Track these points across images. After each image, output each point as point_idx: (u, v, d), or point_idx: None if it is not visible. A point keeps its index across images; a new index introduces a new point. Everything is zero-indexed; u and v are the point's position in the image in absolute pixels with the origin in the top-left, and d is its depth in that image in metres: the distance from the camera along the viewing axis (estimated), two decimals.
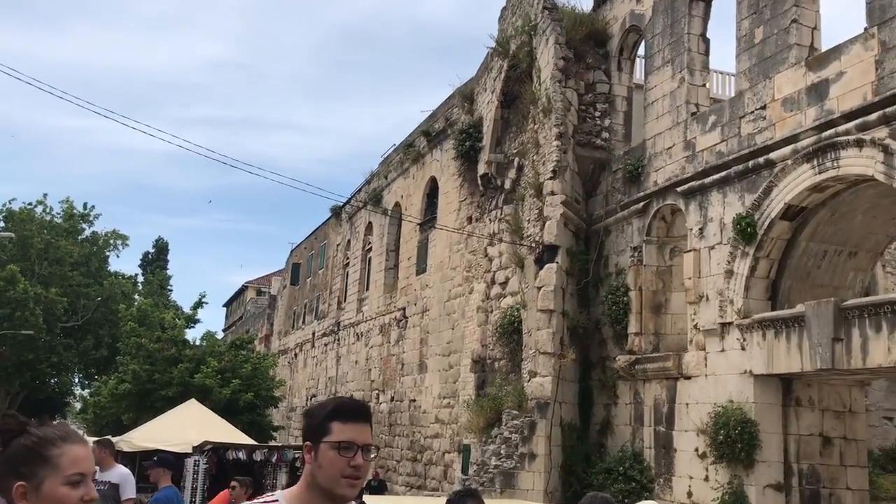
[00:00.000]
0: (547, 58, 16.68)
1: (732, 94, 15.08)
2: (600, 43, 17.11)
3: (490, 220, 20.06)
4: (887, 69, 10.54)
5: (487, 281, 19.69)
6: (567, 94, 16.35)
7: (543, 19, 17.03)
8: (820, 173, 11.39)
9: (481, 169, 20.22)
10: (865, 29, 10.99)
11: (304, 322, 39.55)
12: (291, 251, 44.68)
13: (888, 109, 10.39)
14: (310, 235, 41.26)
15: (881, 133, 10.49)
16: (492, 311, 19.11)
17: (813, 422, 12.31)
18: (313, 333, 36.76)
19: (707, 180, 13.45)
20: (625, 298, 15.04)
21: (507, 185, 19.16)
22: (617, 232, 15.91)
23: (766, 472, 11.90)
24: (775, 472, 11.94)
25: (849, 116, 10.96)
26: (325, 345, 34.48)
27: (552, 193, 15.68)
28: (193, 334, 53.34)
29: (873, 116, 10.59)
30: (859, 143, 10.74)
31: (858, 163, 10.84)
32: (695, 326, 13.40)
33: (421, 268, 24.97)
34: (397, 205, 27.96)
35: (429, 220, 24.81)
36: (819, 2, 12.47)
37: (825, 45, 12.17)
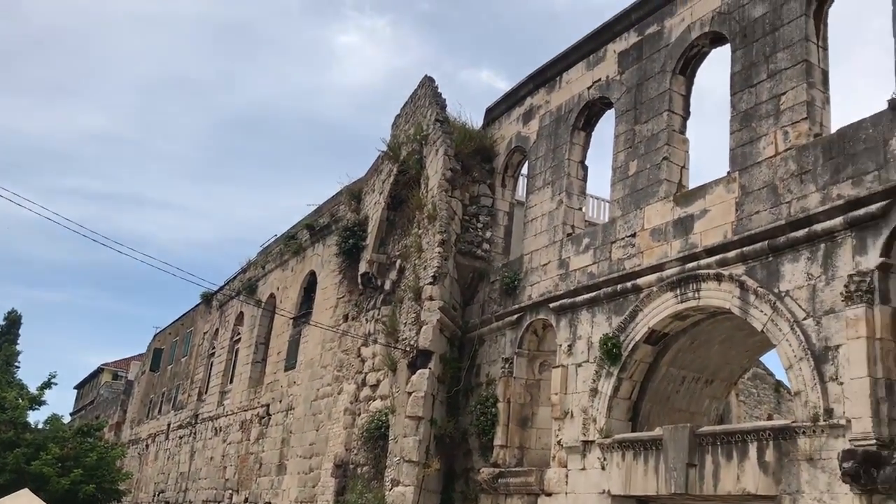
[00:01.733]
0: (436, 167, 17.15)
1: (606, 220, 15.87)
2: (487, 159, 17.77)
3: (367, 319, 19.94)
4: (746, 211, 11.38)
5: (358, 382, 19.38)
6: (452, 203, 16.77)
7: (435, 131, 17.58)
8: (682, 302, 11.99)
9: (362, 268, 20.23)
10: (728, 173, 11.89)
11: (159, 412, 37.52)
12: (155, 335, 42.78)
13: (745, 248, 11.15)
14: (176, 321, 39.71)
15: (738, 270, 11.22)
16: (359, 414, 18.74)
17: None
18: (168, 424, 34.87)
19: (578, 299, 13.91)
20: (493, 409, 15.10)
21: (387, 286, 19.20)
22: (490, 342, 16.11)
23: None
24: None
25: (710, 251, 11.69)
26: (180, 437, 32.72)
27: (431, 299, 15.82)
28: (37, 416, 49.45)
29: (732, 254, 11.33)
30: (718, 278, 11.43)
31: (717, 295, 11.50)
32: (558, 443, 13.55)
33: (290, 364, 24.36)
34: (272, 296, 27.44)
35: (303, 314, 24.41)
36: (688, 143, 13.44)
37: (692, 183, 13.07)
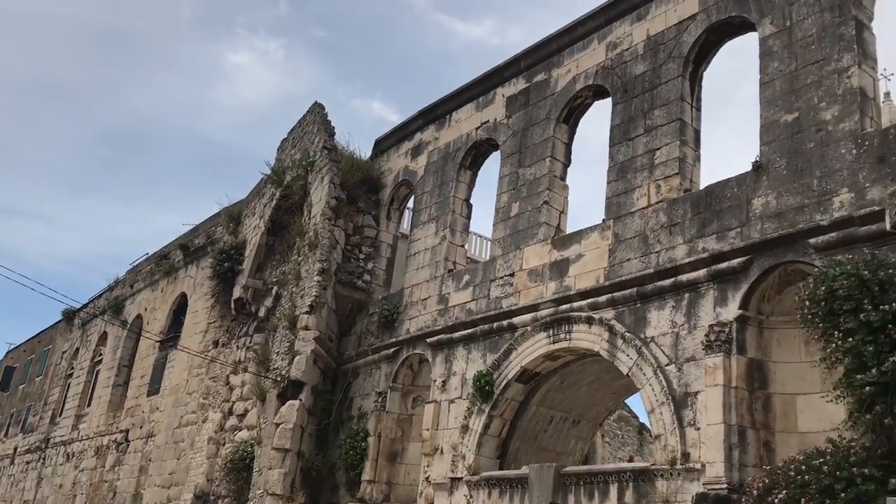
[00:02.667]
0: (320, 194, 16.97)
1: (487, 258, 16.12)
2: (373, 190, 17.75)
3: (238, 346, 19.36)
4: (618, 258, 11.81)
5: (225, 411, 18.73)
6: (335, 232, 16.62)
7: (322, 158, 17.44)
8: (554, 343, 12.27)
9: (237, 293, 19.68)
10: (604, 220, 12.33)
11: (6, 434, 35.04)
12: (7, 352, 40.10)
13: (616, 294, 11.55)
14: (33, 338, 37.37)
15: (608, 314, 11.59)
16: (224, 444, 18.09)
17: None
18: (15, 448, 32.59)
19: (455, 335, 14.00)
20: (363, 444, 14.91)
21: (262, 313, 18.74)
22: (365, 375, 15.95)
23: None
24: None
25: (583, 295, 12.04)
26: (28, 463, 30.62)
27: (306, 328, 15.54)
28: None
29: (603, 298, 11.71)
30: (589, 321, 11.78)
31: (587, 338, 11.83)
32: (427, 479, 13.49)
33: (154, 388, 23.30)
34: (139, 317, 26.29)
35: (171, 338, 23.46)
36: (568, 189, 13.88)
37: (570, 227, 13.47)
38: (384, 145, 18.16)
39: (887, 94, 25.55)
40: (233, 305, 19.82)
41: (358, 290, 16.80)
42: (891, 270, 8.18)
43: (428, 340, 14.55)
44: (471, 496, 12.55)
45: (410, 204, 17.54)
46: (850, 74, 9.87)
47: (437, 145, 16.50)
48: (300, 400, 15.06)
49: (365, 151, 18.35)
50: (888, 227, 7.55)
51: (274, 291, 18.42)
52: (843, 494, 7.79)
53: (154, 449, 21.62)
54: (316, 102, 18.92)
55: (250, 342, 18.67)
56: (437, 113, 16.79)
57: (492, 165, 15.59)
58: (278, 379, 15.64)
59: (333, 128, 18.04)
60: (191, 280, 23.48)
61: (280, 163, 19.83)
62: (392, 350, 15.35)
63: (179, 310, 23.92)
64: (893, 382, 7.60)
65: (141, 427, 22.94)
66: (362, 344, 16.26)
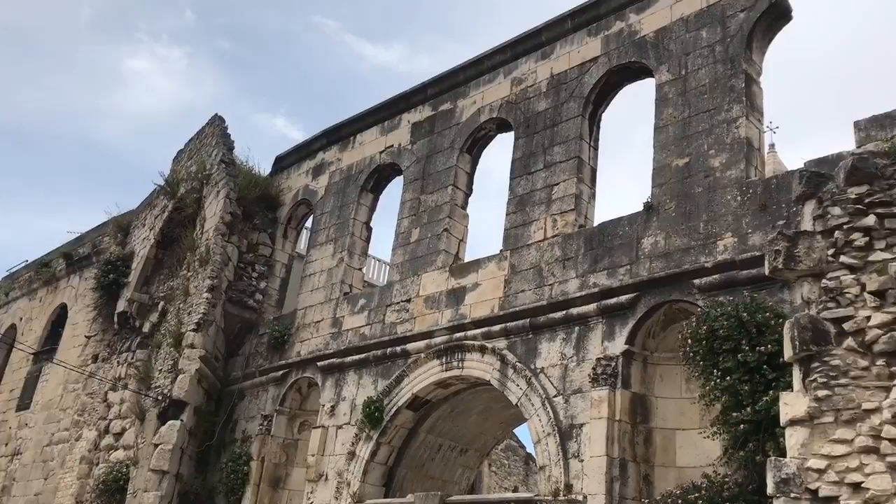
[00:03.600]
0: (215, 209, 16.53)
1: (384, 283, 16.03)
2: (271, 207, 17.42)
3: (119, 362, 18.50)
4: (513, 289, 11.96)
5: (101, 429, 17.83)
6: (228, 249, 16.20)
7: (219, 171, 17.02)
8: (447, 370, 12.27)
9: (121, 306, 18.86)
10: (501, 251, 12.47)
11: None
12: None
13: (509, 324, 11.67)
14: None
15: (501, 344, 11.69)
16: (97, 464, 17.19)
17: None
18: None
19: (347, 360, 13.82)
20: (245, 468, 14.46)
21: (146, 328, 18.01)
22: (251, 397, 15.52)
23: None
24: None
25: (478, 323, 12.11)
26: None
27: (192, 346, 15.01)
28: None
29: (497, 328, 11.82)
30: (482, 350, 11.84)
31: (480, 367, 11.89)
32: None
33: (24, 403, 21.97)
34: (13, 327, 24.81)
35: (47, 350, 22.23)
36: (468, 218, 14.00)
37: (468, 256, 13.57)
38: (285, 163, 17.89)
39: (772, 146, 26.98)
40: (116, 319, 18.97)
41: (248, 310, 16.38)
42: (768, 314, 8.58)
43: (319, 364, 14.30)
44: None
45: (308, 224, 17.30)
46: (738, 125, 10.38)
47: (340, 166, 16.38)
48: (181, 420, 14.49)
49: (265, 168, 18.05)
50: (767, 272, 7.91)
51: (160, 307, 17.74)
52: None
53: (20, 468, 20.34)
54: (216, 115, 18.49)
55: (132, 358, 17.89)
56: (341, 133, 16.69)
57: (394, 190, 15.60)
58: (159, 398, 15.02)
59: (233, 141, 17.66)
60: (72, 291, 22.37)
61: (175, 174, 19.23)
62: (281, 372, 15.01)
63: (58, 321, 22.71)
64: (766, 421, 7.93)
65: (6, 444, 21.58)
66: (250, 365, 15.83)
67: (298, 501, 13.87)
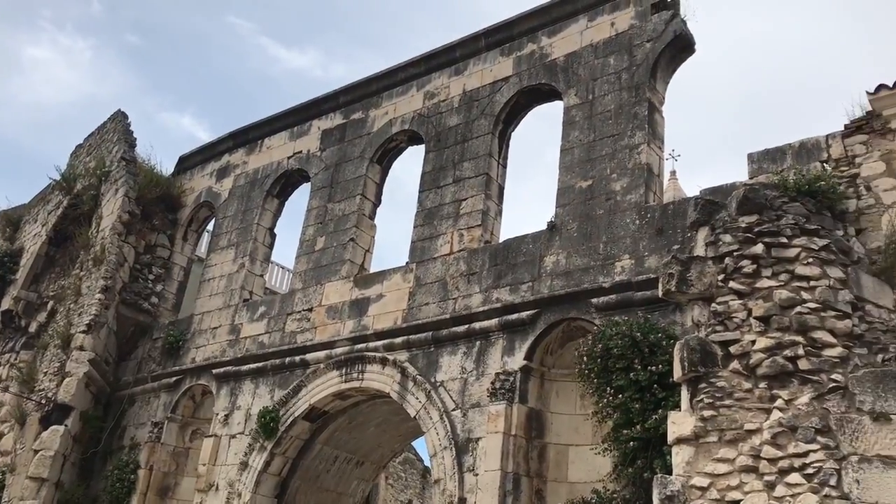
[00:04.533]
0: (112, 207, 15.95)
1: (286, 291, 15.78)
2: (171, 208, 16.93)
3: (1, 363, 17.57)
4: (417, 301, 11.97)
5: None
6: (124, 249, 15.65)
7: (118, 169, 16.44)
8: (346, 382, 12.15)
9: (6, 304, 17.93)
10: (407, 263, 12.47)
11: None
12: None
13: (412, 337, 11.67)
14: None
15: (402, 356, 11.67)
16: None
17: None
18: None
19: (244, 368, 13.52)
20: (132, 476, 13.93)
21: (33, 328, 17.16)
22: (142, 403, 14.99)
23: None
24: None
25: (380, 335, 12.05)
26: None
27: (81, 349, 14.39)
28: None
29: (399, 340, 11.79)
30: (383, 362, 11.79)
31: (380, 379, 11.83)
32: None
33: None
34: None
35: None
36: (376, 229, 13.95)
37: (374, 267, 13.51)
38: (189, 163, 17.43)
39: (673, 173, 27.97)
40: (0, 318, 18.01)
41: (143, 313, 15.84)
42: (660, 334, 8.86)
43: (214, 371, 13.94)
44: None
45: (210, 227, 16.88)
46: (640, 151, 10.72)
47: (246, 170, 16.07)
48: (66, 426, 13.85)
49: (167, 167, 17.54)
50: (660, 294, 8.18)
51: (49, 306, 16.94)
52: None
53: None
54: (119, 110, 17.87)
55: (15, 359, 17.00)
56: (248, 136, 16.39)
57: (300, 197, 15.41)
58: (43, 401, 14.32)
59: (135, 138, 17.10)
60: None
61: (72, 169, 18.47)
62: (174, 379, 14.56)
63: None
64: (655, 439, 8.17)
65: None
66: (142, 370, 15.29)
67: None
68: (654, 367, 8.57)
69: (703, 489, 7.07)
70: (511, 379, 10.42)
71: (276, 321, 13.67)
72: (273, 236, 15.47)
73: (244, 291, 14.68)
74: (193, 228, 17.13)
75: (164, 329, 15.41)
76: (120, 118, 17.77)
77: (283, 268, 21.96)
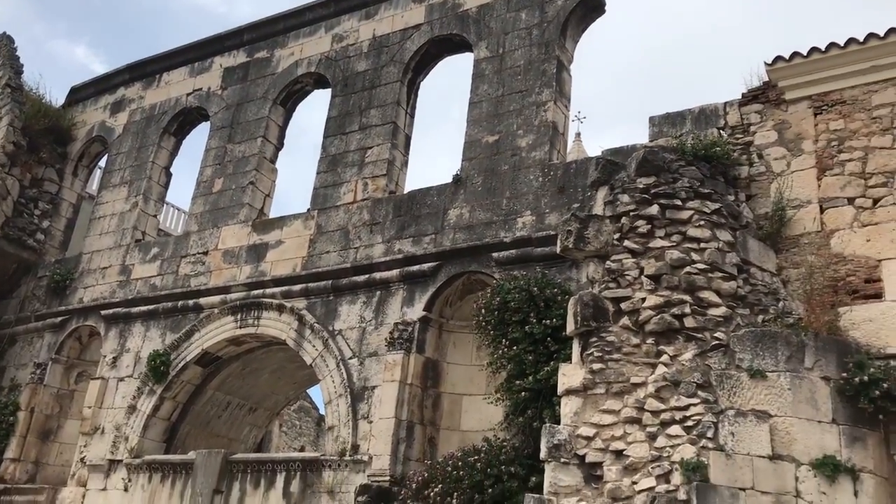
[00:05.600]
0: None
1: (181, 232, 15.30)
2: (61, 141, 16.07)
3: None
4: (318, 249, 11.81)
5: None
6: (8, 181, 14.81)
7: (3, 96, 15.43)
8: (241, 328, 11.94)
9: None
10: (308, 210, 12.26)
11: None
12: None
13: (311, 285, 11.53)
14: None
15: (301, 304, 11.54)
16: None
17: None
18: None
19: (134, 310, 13.11)
20: (11, 418, 13.41)
21: None
22: (24, 343, 14.36)
23: None
24: None
25: (278, 282, 11.86)
26: None
27: None
28: None
29: (297, 287, 11.64)
30: (280, 308, 11.63)
31: (276, 326, 11.67)
32: (82, 460, 12.45)
33: None
34: None
35: None
36: (277, 173, 13.64)
37: (274, 212, 13.24)
38: (81, 95, 16.53)
39: (578, 135, 28.39)
40: None
41: (27, 249, 15.08)
42: (556, 290, 9.05)
43: (103, 313, 13.47)
44: (129, 480, 11.78)
45: (103, 163, 16.13)
46: (546, 108, 10.80)
47: (142, 104, 15.38)
48: None
49: (58, 98, 16.60)
50: (558, 250, 8.33)
51: None
52: (490, 490, 8.44)
53: None
54: (4, 33, 16.67)
55: None
56: (146, 70, 15.65)
57: (199, 136, 14.89)
58: None
59: (22, 65, 16.04)
60: None
61: None
62: (60, 319, 13.99)
63: None
64: (545, 390, 8.38)
65: None
66: (25, 309, 14.62)
67: (70, 455, 13.05)
68: (548, 321, 8.76)
69: (589, 438, 7.33)
70: (409, 329, 10.47)
71: (170, 263, 13.26)
72: (169, 176, 14.91)
73: (137, 231, 14.16)
74: (84, 164, 16.34)
75: (51, 267, 14.74)
76: (5, 42, 16.61)
77: (178, 209, 21.24)
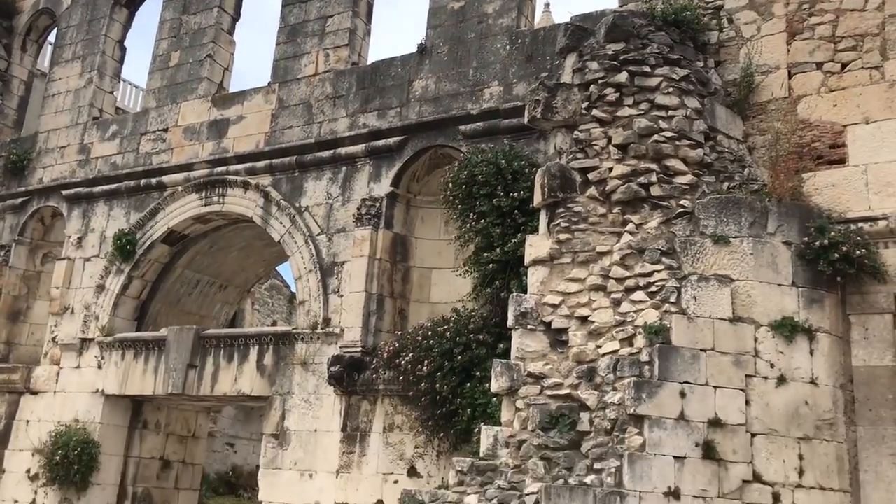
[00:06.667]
0: None
1: (139, 109, 14.86)
2: (6, 14, 15.27)
3: None
4: (280, 124, 11.55)
5: None
6: None
7: None
8: (206, 205, 11.81)
9: None
10: (269, 84, 11.91)
11: None
12: None
13: (274, 161, 11.35)
14: None
15: (266, 180, 11.38)
16: None
17: (156, 445, 12.42)
18: None
19: (96, 189, 12.87)
20: None
21: None
22: None
23: (100, 495, 11.54)
24: (109, 495, 11.65)
25: (241, 158, 11.65)
26: None
27: None
28: None
29: (261, 164, 11.45)
30: (245, 185, 11.48)
31: (242, 203, 11.55)
32: (53, 339, 12.51)
33: None
34: None
35: None
36: (235, 45, 13.15)
37: (234, 87, 12.86)
38: None
39: (547, 6, 27.61)
40: None
41: None
42: (524, 162, 8.98)
43: (64, 193, 13.21)
44: (102, 357, 11.89)
45: (52, 38, 15.42)
46: None
47: None
48: None
49: None
50: (526, 120, 8.22)
51: None
52: (459, 357, 8.65)
53: None
54: None
55: None
56: None
57: (152, 7, 14.20)
58: None
59: None
60: None
61: None
62: (20, 200, 13.73)
63: None
64: (512, 261, 8.47)
65: None
66: None
67: (41, 335, 13.09)
68: (515, 194, 8.73)
69: (555, 306, 7.46)
70: (377, 205, 10.42)
71: (130, 141, 12.93)
72: (123, 50, 14.30)
73: (93, 109, 13.70)
74: (33, 38, 15.60)
75: (6, 147, 14.32)
76: None
77: (134, 86, 20.57)
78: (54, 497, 11.49)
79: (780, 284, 7.09)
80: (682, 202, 7.44)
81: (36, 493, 11.72)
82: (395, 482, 9.21)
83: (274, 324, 20.85)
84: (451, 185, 9.26)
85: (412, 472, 9.27)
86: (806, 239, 7.16)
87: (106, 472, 11.58)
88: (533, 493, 6.49)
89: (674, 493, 6.42)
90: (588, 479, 6.52)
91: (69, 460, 11.19)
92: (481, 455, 7.24)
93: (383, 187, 10.49)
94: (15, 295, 13.51)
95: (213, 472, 17.75)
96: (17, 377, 12.46)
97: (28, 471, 11.89)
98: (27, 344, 13.43)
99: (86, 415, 11.70)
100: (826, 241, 7.04)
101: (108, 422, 11.73)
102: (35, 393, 12.33)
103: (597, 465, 6.59)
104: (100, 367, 11.89)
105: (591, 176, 7.72)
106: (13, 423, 12.39)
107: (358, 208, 10.51)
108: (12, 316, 13.46)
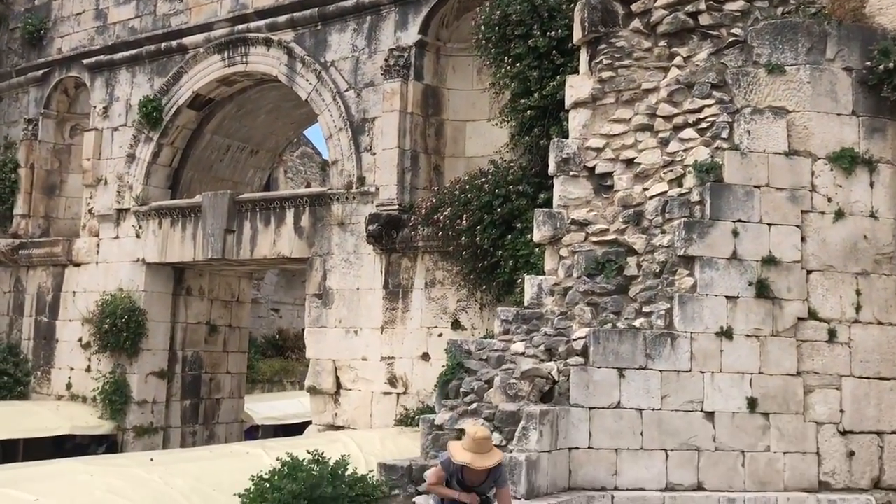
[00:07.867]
0: None
1: None
2: None
3: None
4: None
5: None
6: None
7: None
8: (230, 66, 11.42)
9: None
10: None
11: None
12: None
13: (296, 14, 10.83)
14: None
15: (288, 36, 10.91)
16: None
17: (201, 310, 12.61)
18: None
19: (117, 56, 12.51)
20: (13, 176, 13.34)
21: None
22: (10, 100, 13.93)
23: (151, 359, 11.84)
24: (160, 359, 11.96)
25: (261, 14, 11.15)
26: None
27: None
28: None
29: (282, 18, 10.94)
30: (267, 43, 11.03)
31: (266, 62, 11.13)
32: (90, 211, 12.53)
33: None
34: None
35: None
36: None
37: None
38: None
39: None
40: None
41: None
42: None
43: (85, 62, 12.87)
44: (139, 226, 11.89)
45: None
46: None
47: None
48: None
49: None
50: None
51: None
52: (499, 209, 8.42)
53: None
54: None
55: None
56: None
57: None
58: None
59: None
60: None
61: None
62: (41, 72, 13.44)
63: None
64: (552, 106, 8.06)
65: None
66: (4, 64, 14.00)
67: (77, 208, 13.13)
68: (553, 33, 8.21)
69: (599, 150, 7.13)
70: (405, 55, 9.96)
71: (146, 4, 12.43)
72: None
73: None
74: None
75: (21, 17, 13.88)
76: None
77: None
78: (107, 363, 11.81)
79: (839, 114, 6.65)
80: (733, 30, 6.91)
81: (90, 359, 12.05)
82: (440, 335, 9.24)
83: (308, 186, 20.67)
84: (482, 27, 8.74)
85: (456, 325, 9.28)
86: (868, 63, 6.66)
87: (154, 337, 11.82)
88: (581, 338, 6.39)
89: (726, 333, 6.28)
90: (637, 323, 6.39)
91: (118, 328, 11.41)
92: (525, 304, 7.13)
93: (411, 35, 9.98)
94: (48, 169, 13.46)
95: (259, 336, 18.15)
96: (59, 250, 12.58)
97: (80, 339, 12.19)
98: (65, 217, 13.49)
99: (129, 283, 11.84)
100: (891, 65, 6.54)
101: (152, 289, 11.86)
102: (78, 265, 12.46)
103: (645, 309, 6.45)
104: (138, 236, 11.91)
105: (634, 7, 7.17)
106: (60, 295, 12.62)
107: (385, 59, 10.06)
108: (48, 190, 13.46)
